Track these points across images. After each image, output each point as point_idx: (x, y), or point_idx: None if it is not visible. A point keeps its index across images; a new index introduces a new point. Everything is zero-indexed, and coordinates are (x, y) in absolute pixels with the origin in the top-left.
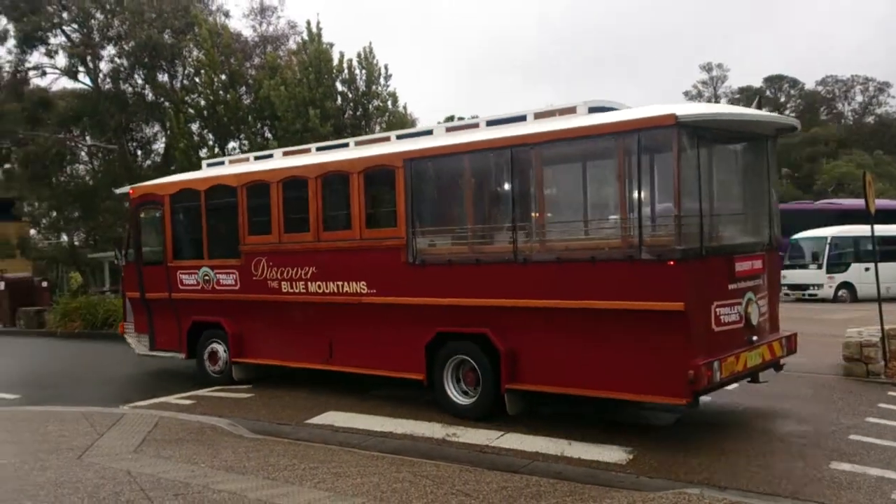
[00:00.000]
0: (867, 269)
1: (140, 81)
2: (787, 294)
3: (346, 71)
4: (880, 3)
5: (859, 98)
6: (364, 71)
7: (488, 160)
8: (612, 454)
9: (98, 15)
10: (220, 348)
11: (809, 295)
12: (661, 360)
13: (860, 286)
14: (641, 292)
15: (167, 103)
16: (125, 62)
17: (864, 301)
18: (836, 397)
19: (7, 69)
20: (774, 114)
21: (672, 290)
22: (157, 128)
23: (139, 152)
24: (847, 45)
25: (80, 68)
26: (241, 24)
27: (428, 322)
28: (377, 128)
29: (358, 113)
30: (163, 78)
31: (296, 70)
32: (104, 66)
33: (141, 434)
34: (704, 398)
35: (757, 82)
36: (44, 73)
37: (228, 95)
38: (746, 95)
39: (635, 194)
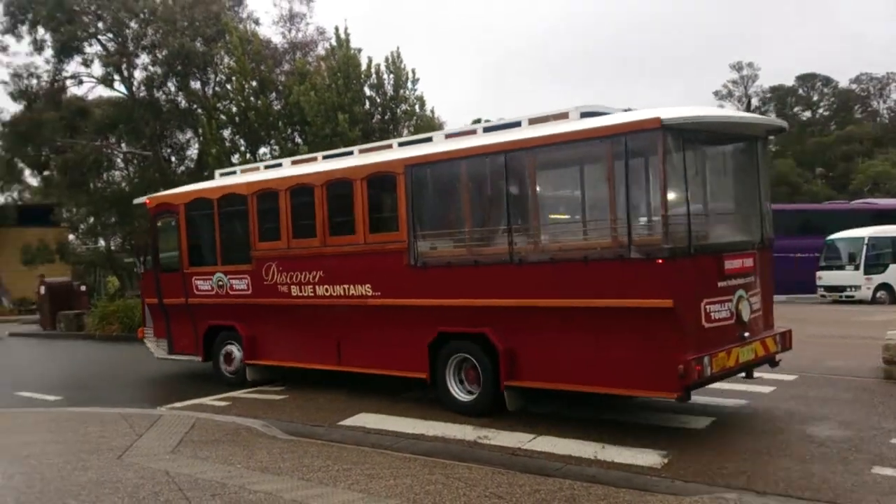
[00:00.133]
0: None
1: (173, 89)
2: (823, 296)
3: (374, 76)
4: None
5: (895, 96)
6: (392, 75)
7: (484, 165)
8: (647, 458)
9: (132, 24)
10: (234, 350)
11: (846, 297)
12: (652, 356)
13: None
14: (632, 290)
15: (200, 110)
16: (159, 70)
17: None
18: (876, 401)
19: (45, 78)
20: (760, 115)
21: (661, 288)
22: (190, 134)
23: (173, 158)
24: (882, 43)
25: (116, 77)
26: (270, 30)
27: (430, 322)
28: (405, 132)
29: (386, 117)
30: (195, 85)
31: (325, 75)
32: (138, 74)
33: (178, 435)
34: (740, 401)
35: (789, 81)
36: (80, 82)
37: (259, 101)
38: (778, 94)
39: (624, 195)
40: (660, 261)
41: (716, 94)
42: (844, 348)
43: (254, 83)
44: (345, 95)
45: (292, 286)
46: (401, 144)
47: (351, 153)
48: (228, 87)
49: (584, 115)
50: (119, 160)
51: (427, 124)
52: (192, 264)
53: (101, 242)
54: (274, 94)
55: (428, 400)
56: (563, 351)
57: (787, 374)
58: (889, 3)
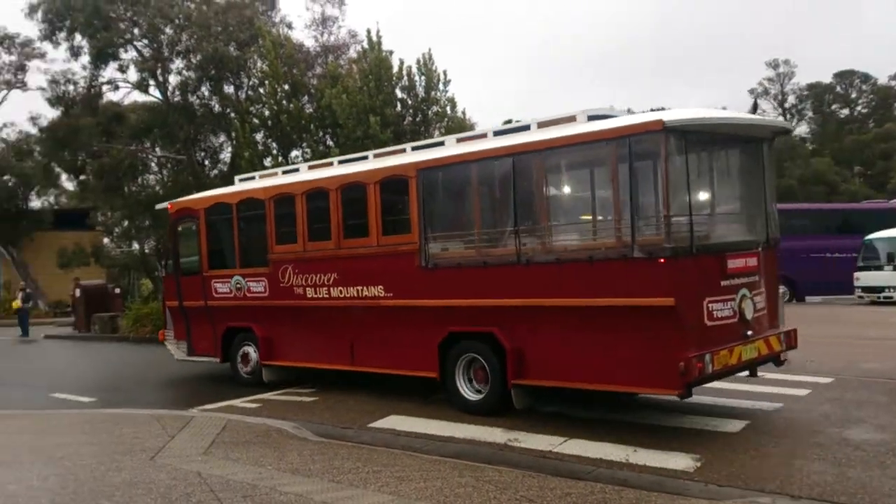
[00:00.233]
0: None
1: (207, 93)
2: (861, 297)
3: (405, 78)
4: None
5: None
6: (423, 77)
7: (493, 168)
8: (679, 461)
9: (167, 30)
10: (251, 351)
11: (885, 297)
12: (654, 354)
13: None
14: (635, 289)
15: (233, 114)
16: (193, 75)
17: None
18: None
19: (82, 84)
20: (764, 117)
21: (662, 287)
22: (223, 138)
23: (207, 162)
24: None
25: (151, 82)
26: (303, 34)
27: (441, 322)
28: (436, 133)
29: (417, 119)
30: (228, 89)
31: (356, 78)
32: (173, 79)
33: (210, 436)
34: (774, 404)
35: (826, 78)
36: (116, 88)
37: (291, 105)
38: (815, 92)
39: (629, 196)
40: (662, 260)
41: (751, 91)
42: (881, 350)
43: (286, 87)
44: (376, 98)
45: (307, 288)
46: (414, 149)
47: (366, 158)
48: (261, 90)
49: (592, 118)
50: (153, 164)
51: (458, 125)
52: (211, 267)
53: (136, 246)
54: (306, 98)
55: None
56: (568, 349)
57: (823, 376)
58: None
